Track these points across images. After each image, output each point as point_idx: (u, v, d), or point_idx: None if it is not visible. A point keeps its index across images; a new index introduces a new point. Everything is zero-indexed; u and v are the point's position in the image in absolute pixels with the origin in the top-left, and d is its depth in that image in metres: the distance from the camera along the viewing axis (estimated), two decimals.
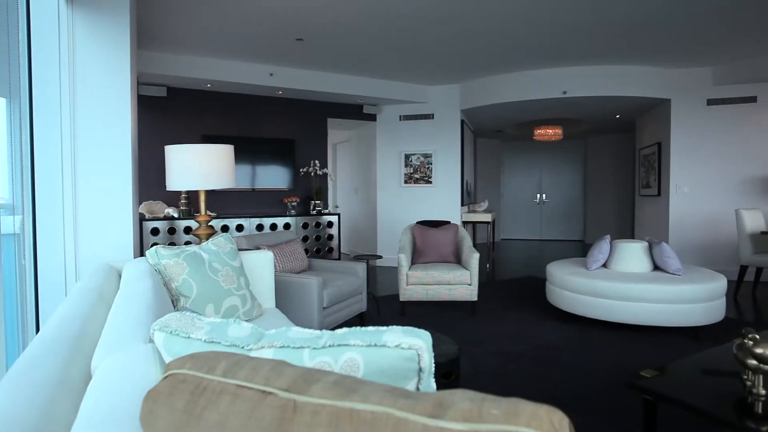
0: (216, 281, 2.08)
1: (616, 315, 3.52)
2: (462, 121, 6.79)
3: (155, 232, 4.83)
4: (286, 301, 3.16)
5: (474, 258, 4.08)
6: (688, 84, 5.94)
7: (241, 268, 2.31)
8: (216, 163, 2.57)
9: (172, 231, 4.92)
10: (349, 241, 8.02)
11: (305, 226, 5.81)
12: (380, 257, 4.33)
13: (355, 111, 6.75)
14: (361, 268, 3.82)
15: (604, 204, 9.95)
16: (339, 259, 6.06)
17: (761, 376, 1.46)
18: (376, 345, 0.88)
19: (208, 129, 5.66)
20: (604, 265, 4.00)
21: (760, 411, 1.36)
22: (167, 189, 2.60)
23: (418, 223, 4.60)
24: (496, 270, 6.64)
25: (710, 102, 5.89)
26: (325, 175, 6.42)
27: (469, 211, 7.37)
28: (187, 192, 5.16)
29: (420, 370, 0.91)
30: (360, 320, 3.86)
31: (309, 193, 6.26)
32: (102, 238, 2.25)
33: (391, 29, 4.35)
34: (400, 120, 6.91)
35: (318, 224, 5.91)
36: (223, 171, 2.61)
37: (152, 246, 2.06)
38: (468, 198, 7.55)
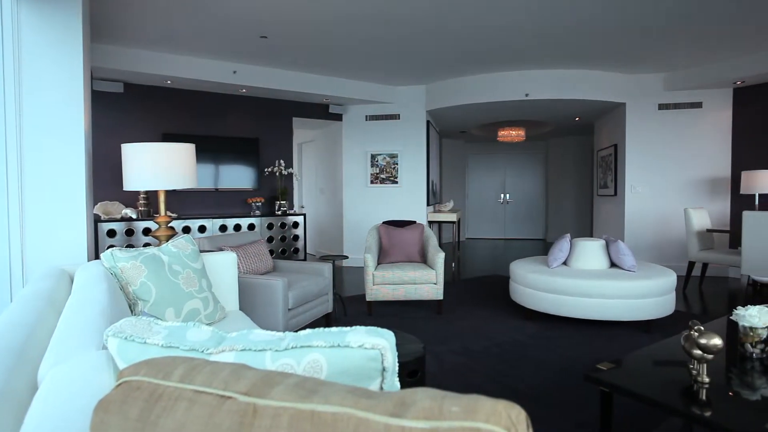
0: (176, 284, 2.02)
1: (576, 311, 3.65)
2: (427, 122, 6.86)
3: (111, 233, 4.64)
4: (250, 303, 3.10)
5: (439, 257, 4.12)
6: (641, 89, 6.22)
7: (202, 270, 2.25)
8: (176, 162, 2.49)
9: (130, 233, 4.74)
10: (315, 242, 7.96)
11: (270, 226, 5.72)
12: (346, 257, 4.31)
13: (321, 110, 6.71)
14: (327, 268, 3.80)
15: (564, 203, 10.28)
16: (305, 259, 6.00)
17: (705, 365, 1.55)
18: (339, 346, 0.88)
19: (169, 127, 5.48)
20: (565, 263, 4.13)
21: (704, 397, 1.44)
22: (124, 189, 2.50)
23: (384, 223, 4.61)
24: (461, 269, 6.74)
25: (661, 107, 6.19)
26: (291, 174, 6.35)
27: (434, 211, 7.45)
28: (146, 192, 4.98)
29: (384, 369, 0.91)
30: (326, 321, 3.84)
31: (274, 194, 6.17)
32: (52, 240, 2.14)
33: (357, 29, 4.34)
34: (366, 120, 6.91)
35: (283, 225, 5.83)
36: (183, 170, 2.53)
37: (108, 248, 1.98)
38: (433, 198, 7.64)
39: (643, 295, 3.56)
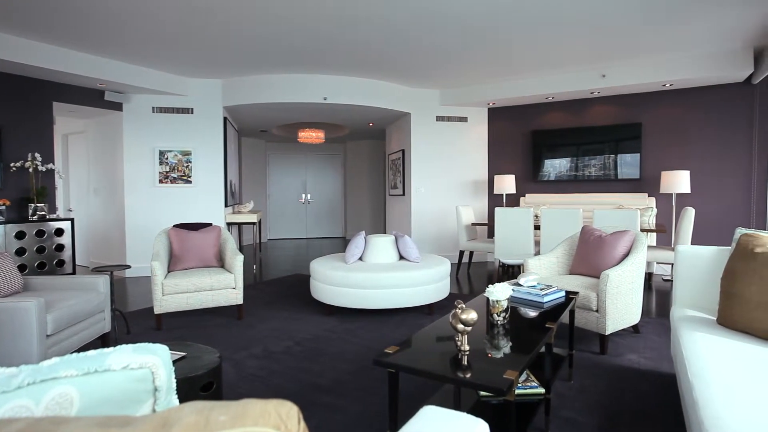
0: None
1: (371, 302, 3.95)
2: (225, 119, 6.51)
3: None
4: None
5: (238, 260, 3.96)
6: (423, 102, 7.10)
7: None
8: None
9: None
10: (89, 251, 6.75)
11: (21, 235, 4.60)
12: (128, 267, 3.76)
13: (94, 97, 5.71)
14: (102, 281, 3.26)
15: (361, 203, 11.05)
16: (74, 273, 5.02)
17: (466, 336, 1.86)
18: (96, 371, 0.76)
19: None
20: (361, 258, 4.43)
21: (465, 362, 1.73)
22: None
23: (175, 226, 4.20)
24: (263, 270, 6.61)
25: (438, 119, 7.19)
26: (52, 171, 5.23)
27: (233, 212, 7.12)
28: None
29: (156, 389, 0.82)
30: (102, 343, 3.29)
31: (27, 194, 4.99)
32: None
33: (138, 5, 3.83)
34: (154, 112, 6.18)
35: (41, 233, 4.76)
36: None
37: None
38: (232, 198, 7.29)
39: (426, 282, 4.07)
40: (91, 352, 0.80)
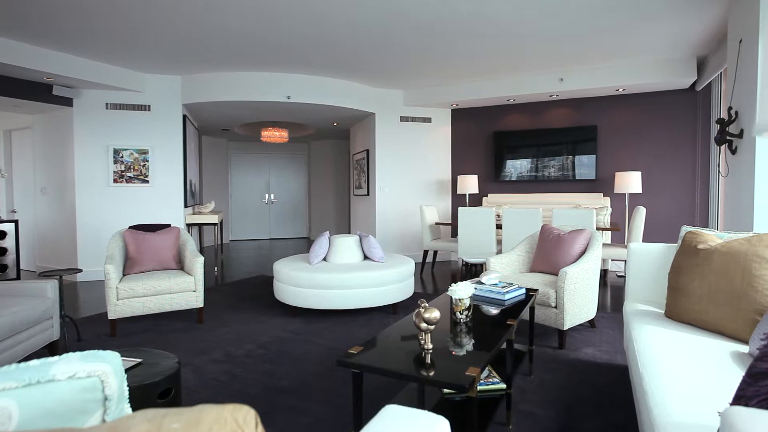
0: None
1: (336, 303, 3.92)
2: (184, 116, 6.31)
3: None
4: None
5: (198, 262, 3.84)
6: (387, 102, 7.12)
7: None
8: None
9: None
10: (36, 255, 6.39)
11: None
12: (80, 271, 3.59)
13: (41, 91, 5.40)
14: (50, 286, 3.09)
15: (325, 203, 10.97)
16: (18, 278, 4.74)
17: (429, 335, 1.88)
18: (39, 382, 0.72)
19: None
20: (325, 259, 4.40)
21: (428, 361, 1.74)
22: None
23: (131, 227, 4.03)
24: (225, 272, 6.45)
25: (402, 119, 7.23)
26: None
27: (194, 213, 6.92)
28: None
29: (106, 398, 0.78)
30: (50, 351, 3.12)
31: None
32: None
33: None
34: (108, 108, 5.91)
35: None
36: None
37: None
38: (192, 199, 7.08)
39: (390, 282, 4.09)
40: (34, 362, 0.76)
